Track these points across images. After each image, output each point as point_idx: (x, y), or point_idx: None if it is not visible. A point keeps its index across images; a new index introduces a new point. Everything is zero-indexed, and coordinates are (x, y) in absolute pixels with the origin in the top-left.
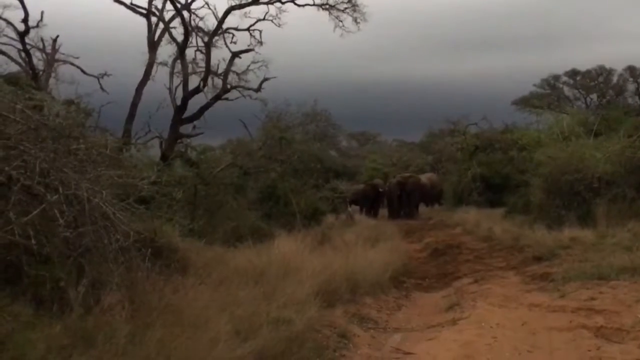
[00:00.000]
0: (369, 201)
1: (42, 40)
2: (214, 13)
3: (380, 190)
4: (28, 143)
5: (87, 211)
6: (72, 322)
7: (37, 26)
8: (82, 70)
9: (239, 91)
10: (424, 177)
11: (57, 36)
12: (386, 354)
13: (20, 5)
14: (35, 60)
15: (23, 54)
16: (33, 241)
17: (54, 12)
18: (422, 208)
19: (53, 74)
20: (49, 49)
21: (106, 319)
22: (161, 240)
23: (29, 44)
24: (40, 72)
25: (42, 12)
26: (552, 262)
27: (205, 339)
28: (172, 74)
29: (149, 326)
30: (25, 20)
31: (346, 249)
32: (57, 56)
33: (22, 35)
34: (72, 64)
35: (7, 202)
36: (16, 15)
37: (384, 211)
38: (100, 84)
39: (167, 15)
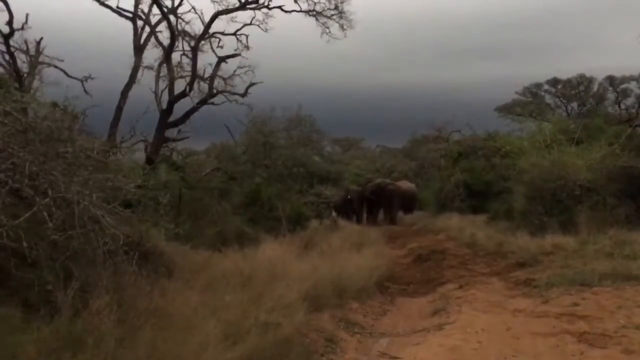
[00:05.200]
0: (355, 206)
1: (25, 42)
2: (200, 18)
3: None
4: (16, 146)
5: (77, 214)
6: (61, 326)
7: (22, 29)
8: (66, 73)
9: (225, 96)
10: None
11: (41, 38)
12: (373, 358)
13: (4, 8)
14: (19, 63)
15: (7, 57)
16: (25, 244)
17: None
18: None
19: (37, 77)
20: (33, 52)
21: (95, 323)
22: (147, 244)
23: (13, 47)
24: (24, 75)
25: (27, 15)
26: (535, 268)
27: (195, 343)
28: (158, 77)
29: (138, 330)
30: (9, 23)
31: (332, 254)
32: (41, 58)
33: (6, 37)
34: (55, 66)
35: None
36: (0, 18)
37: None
38: (84, 87)
39: (154, 19)
